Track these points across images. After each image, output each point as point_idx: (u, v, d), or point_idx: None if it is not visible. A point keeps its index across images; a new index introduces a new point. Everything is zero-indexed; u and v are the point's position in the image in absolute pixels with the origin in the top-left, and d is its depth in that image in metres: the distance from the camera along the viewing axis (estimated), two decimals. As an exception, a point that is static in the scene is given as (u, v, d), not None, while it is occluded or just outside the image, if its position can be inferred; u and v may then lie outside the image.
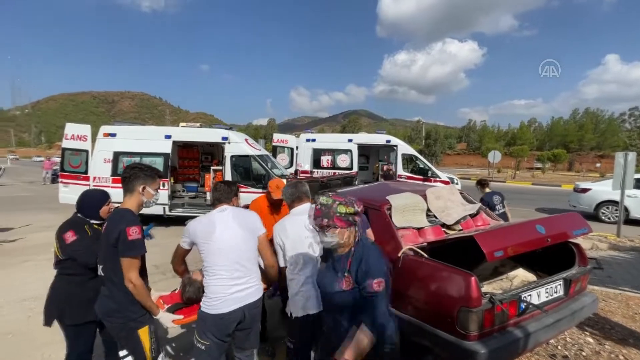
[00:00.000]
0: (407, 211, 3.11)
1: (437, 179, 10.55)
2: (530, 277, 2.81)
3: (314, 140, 11.52)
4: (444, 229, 3.14)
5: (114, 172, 8.14)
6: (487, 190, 5.34)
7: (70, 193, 8.30)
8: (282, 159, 11.81)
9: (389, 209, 3.10)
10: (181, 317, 2.13)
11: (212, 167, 9.00)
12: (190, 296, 2.27)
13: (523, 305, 2.30)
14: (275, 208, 3.21)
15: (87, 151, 8.46)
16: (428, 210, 3.24)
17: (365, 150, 12.70)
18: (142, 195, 2.06)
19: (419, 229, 3.04)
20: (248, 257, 2.11)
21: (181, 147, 9.76)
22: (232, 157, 8.36)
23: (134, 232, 1.89)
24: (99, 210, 2.34)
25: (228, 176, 8.26)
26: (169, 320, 2.08)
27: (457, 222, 3.17)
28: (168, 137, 8.40)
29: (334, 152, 11.28)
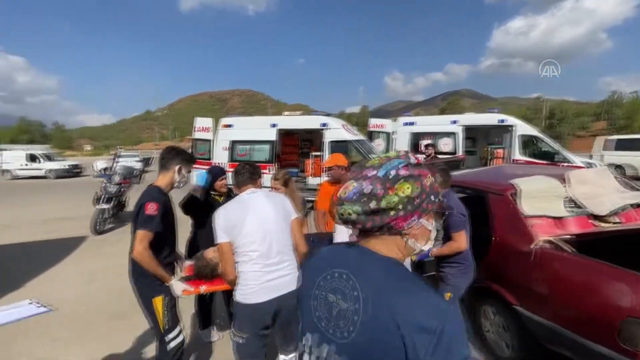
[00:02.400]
0: (539, 197, 2.63)
1: (570, 164, 8.75)
2: None
3: (412, 123, 10.91)
4: (592, 221, 2.54)
5: (231, 158, 9.32)
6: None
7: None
8: (378, 144, 11.54)
9: (514, 194, 2.67)
10: (191, 288, 2.21)
11: (311, 153, 9.43)
12: (197, 271, 2.34)
13: None
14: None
15: (210, 140, 9.90)
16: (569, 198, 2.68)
17: (473, 133, 11.38)
18: (176, 175, 2.19)
19: (556, 219, 2.54)
20: (284, 241, 1.96)
21: (284, 135, 10.50)
22: (330, 142, 8.58)
23: (151, 208, 1.99)
24: (214, 183, 2.90)
25: (327, 161, 8.54)
26: (180, 290, 2.13)
27: (614, 213, 2.53)
28: (274, 125, 9.17)
29: (435, 136, 10.46)
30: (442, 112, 61.72)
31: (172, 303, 2.16)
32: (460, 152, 9.84)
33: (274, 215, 1.95)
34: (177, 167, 2.18)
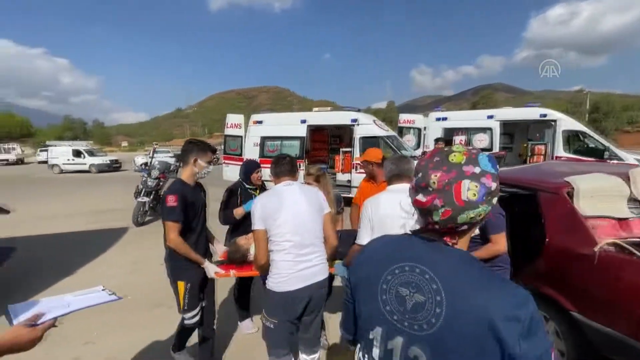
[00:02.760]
0: (600, 196, 2.43)
1: (620, 162, 8.10)
2: None
3: (445, 118, 10.55)
4: (663, 223, 2.32)
5: (262, 154, 9.46)
6: None
7: (230, 171, 10.13)
8: (409, 140, 11.28)
9: (571, 192, 2.49)
10: (222, 271, 2.42)
11: (341, 149, 9.38)
12: (228, 256, 2.56)
13: None
14: (377, 184, 2.98)
15: (241, 137, 10.10)
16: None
17: (510, 128, 10.83)
18: (195, 167, 2.29)
19: (619, 220, 2.34)
20: (315, 233, 2.01)
21: (313, 131, 10.51)
22: (360, 138, 8.49)
23: (170, 200, 2.16)
24: (250, 176, 2.98)
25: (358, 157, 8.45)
26: (212, 272, 2.35)
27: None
28: (303, 121, 9.19)
29: (468, 131, 10.06)
30: (474, 106, 59.34)
31: (193, 289, 2.35)
32: (496, 149, 9.40)
33: (307, 208, 1.99)
34: (193, 159, 2.30)
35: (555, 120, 9.13)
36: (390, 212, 1.81)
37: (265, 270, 2.02)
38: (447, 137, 10.29)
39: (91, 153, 21.89)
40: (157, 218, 7.74)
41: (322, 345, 2.30)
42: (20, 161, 29.86)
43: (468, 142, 10.01)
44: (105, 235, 6.44)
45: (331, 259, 2.19)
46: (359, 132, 8.53)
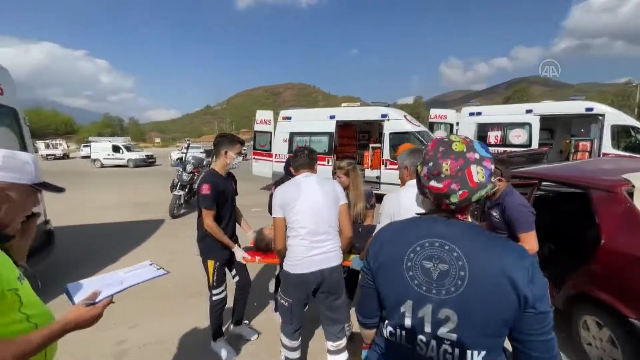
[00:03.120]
0: (664, 195, 2.24)
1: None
2: None
3: (479, 113, 10.12)
4: None
5: (290, 150, 9.54)
6: None
7: (260, 167, 10.31)
8: (440, 136, 10.95)
9: (630, 191, 2.31)
10: (249, 257, 2.66)
11: (370, 145, 9.27)
12: (255, 243, 2.81)
13: None
14: None
15: (270, 133, 10.24)
16: None
17: (550, 123, 10.22)
18: (226, 158, 2.53)
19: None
20: (330, 222, 2.12)
21: (341, 127, 10.46)
22: (390, 134, 8.34)
23: (204, 189, 2.41)
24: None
25: (387, 153, 8.32)
26: (240, 256, 2.62)
27: None
28: (332, 117, 9.15)
29: (505, 127, 9.59)
30: (507, 101, 56.60)
31: (222, 269, 2.63)
32: (534, 145, 8.90)
33: (322, 198, 2.11)
34: (224, 151, 2.53)
35: (602, 115, 8.50)
36: (412, 207, 1.77)
37: (283, 255, 2.17)
38: (481, 133, 9.88)
39: (128, 148, 23.12)
40: (191, 211, 8.04)
41: (346, 335, 2.33)
42: (65, 156, 32.09)
43: (503, 139, 9.56)
44: (144, 226, 6.78)
45: (346, 250, 2.28)
46: (389, 128, 8.38)
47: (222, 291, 2.67)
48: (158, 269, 1.46)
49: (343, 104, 9.80)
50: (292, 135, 9.63)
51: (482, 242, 0.86)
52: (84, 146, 31.22)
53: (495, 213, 2.45)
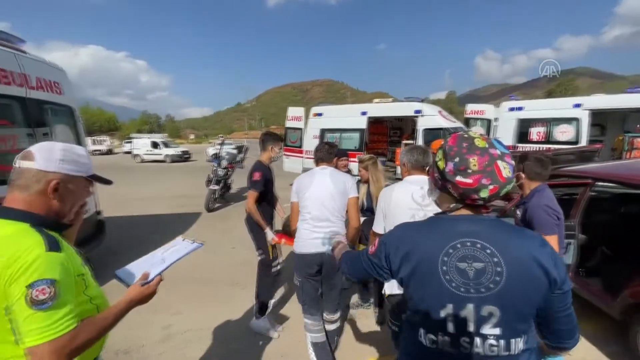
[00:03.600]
0: None
1: None
2: None
3: (520, 108, 9.54)
4: None
5: (321, 147, 9.57)
6: None
7: (291, 163, 10.42)
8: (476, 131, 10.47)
9: None
10: (277, 239, 3.00)
11: (402, 142, 9.08)
12: (283, 227, 3.42)
13: None
14: None
15: (301, 129, 10.31)
16: None
17: (601, 118, 9.44)
18: (271, 152, 3.01)
19: None
20: (335, 212, 2.32)
21: (372, 123, 10.31)
22: (424, 130, 8.11)
23: (256, 175, 2.86)
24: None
25: (420, 150, 8.11)
26: (270, 237, 2.94)
27: None
28: (364, 113, 9.04)
29: (549, 123, 8.97)
30: (549, 95, 53.08)
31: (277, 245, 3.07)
32: (583, 142, 8.26)
33: (330, 189, 2.32)
34: (270, 146, 3.01)
35: (664, 109, 7.71)
36: (401, 203, 1.91)
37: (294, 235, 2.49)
38: (522, 129, 9.32)
39: (166, 145, 24.31)
40: (224, 205, 8.32)
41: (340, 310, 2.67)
42: (109, 151, 34.31)
43: (548, 135, 8.95)
44: (182, 218, 7.12)
45: (353, 239, 2.45)
46: (423, 124, 8.14)
47: (278, 264, 3.07)
48: (192, 242, 1.54)
49: (375, 100, 9.65)
50: (323, 131, 9.63)
51: (508, 233, 0.90)
52: (126, 142, 33.20)
53: (518, 212, 2.37)
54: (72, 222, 1.11)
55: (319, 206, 2.30)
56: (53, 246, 0.93)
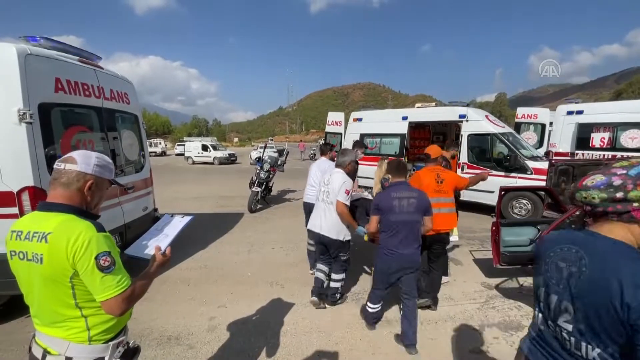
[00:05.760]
0: None
1: None
2: None
3: (579, 112, 8.78)
4: None
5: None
6: None
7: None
8: (528, 137, 9.81)
9: None
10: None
11: (446, 147, 8.77)
12: None
13: None
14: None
15: (340, 134, 10.41)
16: None
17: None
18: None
19: None
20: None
21: (413, 128, 10.09)
22: (469, 135, 7.78)
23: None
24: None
25: (464, 156, 7.78)
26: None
27: None
28: (405, 118, 8.90)
29: (615, 128, 8.15)
30: (618, 96, 47.75)
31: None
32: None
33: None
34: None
35: None
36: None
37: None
38: (582, 134, 8.56)
39: (215, 147, 25.81)
40: (265, 207, 8.66)
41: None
42: (164, 153, 37.18)
43: (613, 141, 8.13)
44: (227, 218, 7.54)
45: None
46: (468, 129, 7.81)
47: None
48: (182, 216, 1.80)
49: (417, 104, 9.45)
50: (363, 136, 9.63)
51: (615, 255, 0.93)
52: (178, 145, 35.77)
53: None
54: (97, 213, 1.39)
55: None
56: (99, 228, 1.21)
